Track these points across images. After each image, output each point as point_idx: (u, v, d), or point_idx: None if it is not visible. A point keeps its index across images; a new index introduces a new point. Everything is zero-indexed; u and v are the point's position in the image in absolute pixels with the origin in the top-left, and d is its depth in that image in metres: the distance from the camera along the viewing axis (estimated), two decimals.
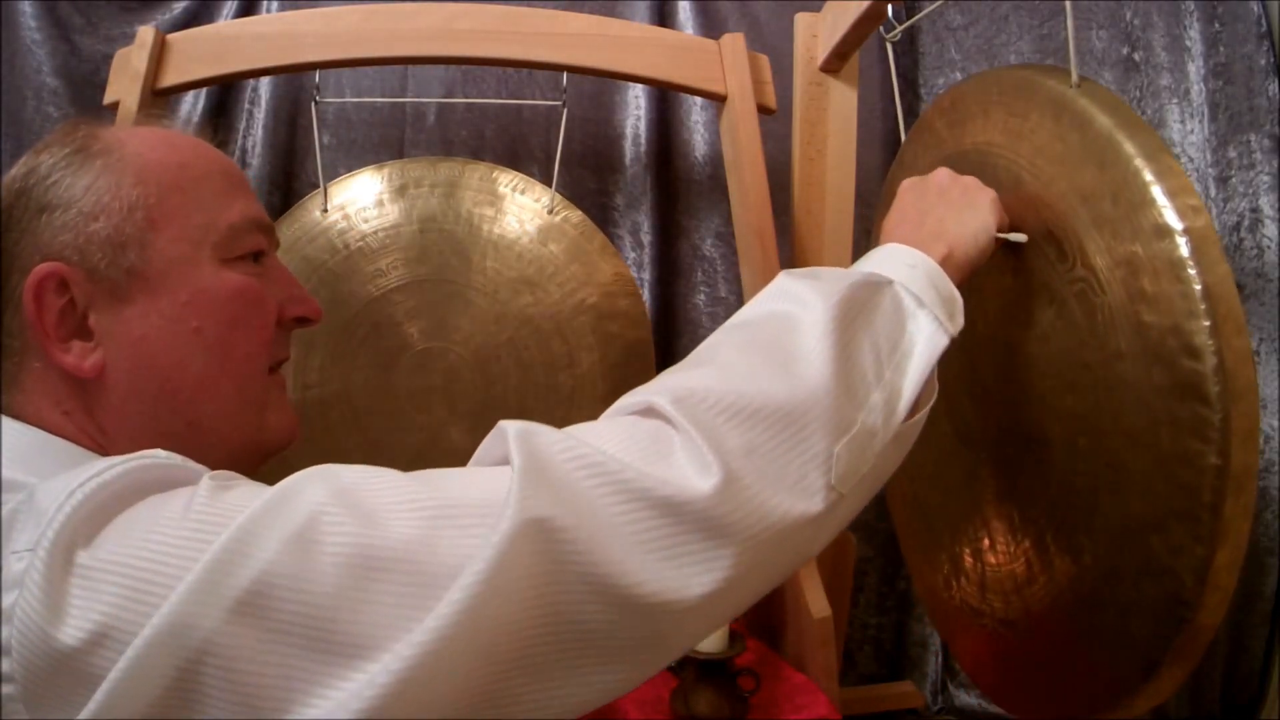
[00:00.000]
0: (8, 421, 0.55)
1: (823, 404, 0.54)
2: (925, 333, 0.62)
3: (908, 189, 0.76)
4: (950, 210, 0.72)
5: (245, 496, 0.44)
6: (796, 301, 0.59)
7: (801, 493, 0.51)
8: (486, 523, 0.43)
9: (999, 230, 0.74)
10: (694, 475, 0.48)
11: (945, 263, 0.67)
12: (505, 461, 0.46)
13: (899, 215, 0.73)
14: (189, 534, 0.42)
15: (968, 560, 0.91)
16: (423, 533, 0.42)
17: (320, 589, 0.40)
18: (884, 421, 0.57)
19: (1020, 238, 0.75)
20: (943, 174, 0.76)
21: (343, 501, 0.43)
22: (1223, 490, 0.60)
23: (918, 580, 1.07)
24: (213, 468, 0.59)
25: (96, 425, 0.57)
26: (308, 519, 0.42)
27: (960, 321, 0.65)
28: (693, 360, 0.59)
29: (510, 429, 0.47)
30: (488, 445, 0.50)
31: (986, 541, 0.87)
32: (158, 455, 0.48)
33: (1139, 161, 0.67)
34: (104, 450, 0.56)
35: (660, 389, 0.52)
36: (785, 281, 0.62)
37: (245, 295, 0.61)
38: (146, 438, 0.57)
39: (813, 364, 0.55)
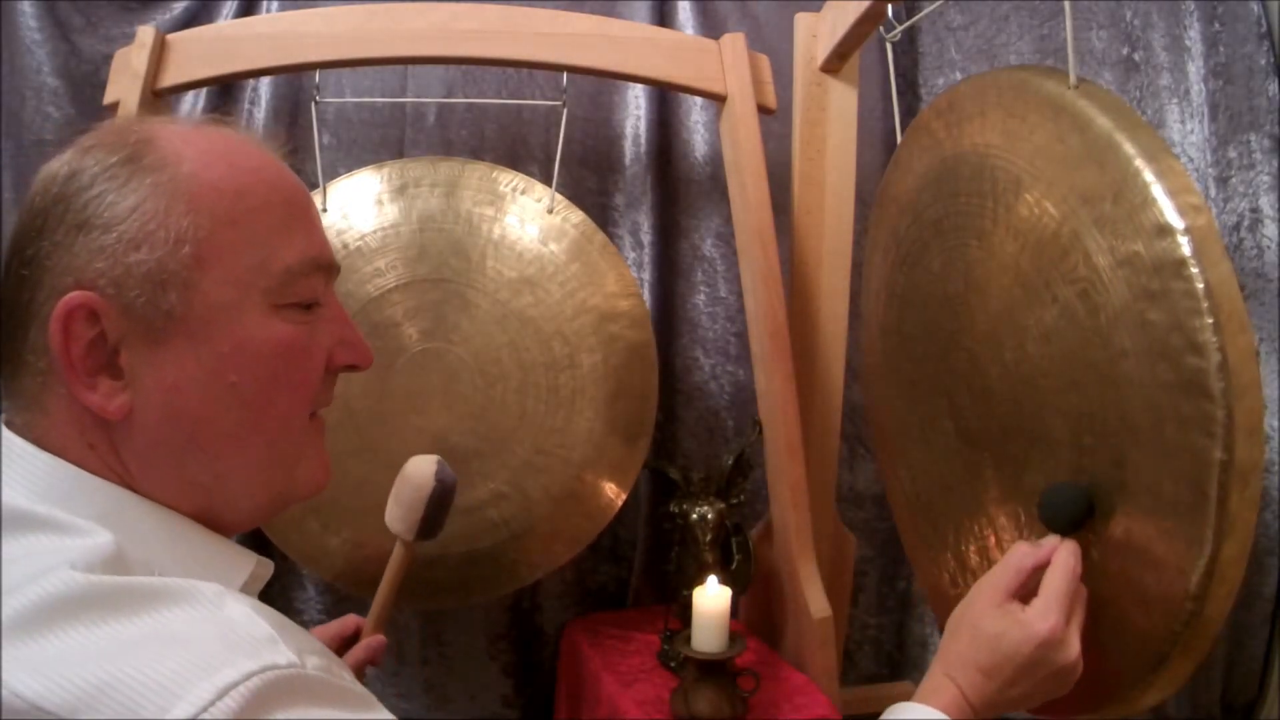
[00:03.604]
0: (35, 453, 0.53)
1: None
2: None
3: (1037, 649, 0.68)
4: (1034, 694, 0.70)
5: None
6: None
7: None
8: None
9: None
10: None
11: None
12: None
13: (997, 670, 0.69)
14: None
15: (973, 558, 0.91)
16: None
17: None
18: None
19: None
20: (1074, 661, 0.69)
21: None
22: (1228, 484, 0.60)
23: (921, 579, 1.07)
24: (238, 516, 0.58)
25: (122, 464, 0.54)
26: None
27: None
28: None
29: None
30: None
31: (993, 539, 0.87)
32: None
33: (1139, 161, 0.67)
34: (130, 487, 0.54)
35: None
36: None
37: (291, 350, 0.57)
38: (171, 484, 0.55)
39: None
